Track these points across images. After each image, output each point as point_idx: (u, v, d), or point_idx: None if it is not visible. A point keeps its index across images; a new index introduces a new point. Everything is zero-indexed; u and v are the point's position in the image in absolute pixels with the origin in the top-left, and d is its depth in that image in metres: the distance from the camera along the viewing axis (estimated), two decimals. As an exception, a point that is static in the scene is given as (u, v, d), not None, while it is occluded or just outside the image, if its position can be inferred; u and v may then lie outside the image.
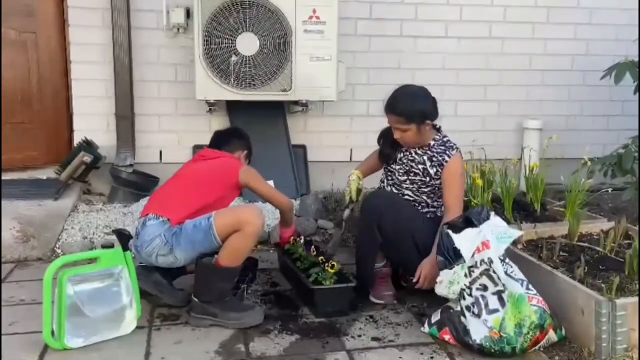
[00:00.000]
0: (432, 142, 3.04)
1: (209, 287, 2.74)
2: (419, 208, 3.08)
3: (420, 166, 3.05)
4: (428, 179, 3.04)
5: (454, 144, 3.06)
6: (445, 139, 3.07)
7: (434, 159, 3.02)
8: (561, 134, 4.57)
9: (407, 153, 3.09)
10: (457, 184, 2.98)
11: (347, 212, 3.20)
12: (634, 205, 3.81)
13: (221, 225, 2.69)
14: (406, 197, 3.09)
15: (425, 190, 3.06)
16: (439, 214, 3.07)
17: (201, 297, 2.75)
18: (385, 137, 3.16)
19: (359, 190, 3.15)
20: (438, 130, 3.09)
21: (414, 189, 3.08)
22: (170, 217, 2.78)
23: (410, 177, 3.08)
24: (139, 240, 2.80)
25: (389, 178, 3.17)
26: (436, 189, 3.06)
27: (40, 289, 2.47)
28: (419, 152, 3.06)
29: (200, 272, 2.77)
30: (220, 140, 3.16)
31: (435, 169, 3.02)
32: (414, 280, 2.86)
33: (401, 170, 3.11)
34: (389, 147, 3.14)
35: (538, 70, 5.11)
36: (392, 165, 3.15)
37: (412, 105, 2.94)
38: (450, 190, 2.97)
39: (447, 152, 3.01)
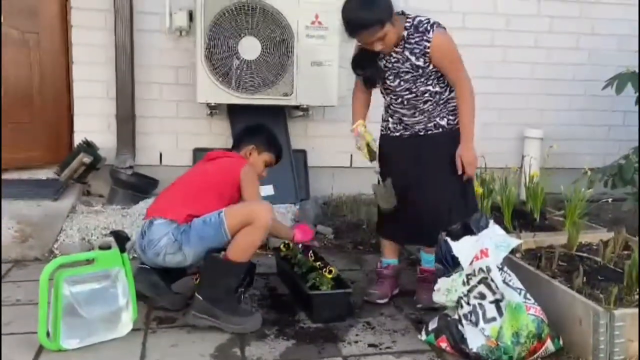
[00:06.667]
0: (405, 33, 2.83)
1: (216, 283, 2.72)
2: (429, 106, 2.92)
3: (407, 64, 2.86)
4: (420, 70, 2.86)
5: (426, 23, 2.82)
6: (415, 22, 2.84)
7: (415, 50, 2.83)
8: (562, 144, 4.58)
9: (386, 59, 2.91)
10: (451, 58, 2.86)
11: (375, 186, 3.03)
12: (634, 216, 3.80)
13: (232, 220, 2.69)
14: (407, 98, 2.92)
15: (422, 80, 2.88)
16: (445, 96, 2.94)
17: (206, 294, 2.71)
18: (359, 62, 2.96)
19: (370, 145, 2.99)
20: (403, 14, 2.88)
21: (411, 87, 2.90)
22: (177, 219, 2.77)
23: (403, 78, 2.88)
24: (144, 240, 2.78)
25: (387, 96, 3.01)
26: (432, 73, 2.88)
27: (37, 290, 2.45)
28: (397, 50, 2.86)
29: (208, 266, 2.75)
30: (234, 143, 3.23)
31: (422, 59, 2.83)
32: (460, 171, 2.88)
33: (391, 77, 2.91)
34: (370, 69, 2.94)
35: (540, 80, 5.11)
36: (384, 83, 2.95)
37: (375, 8, 2.72)
38: (449, 68, 2.86)
39: (425, 36, 2.80)
